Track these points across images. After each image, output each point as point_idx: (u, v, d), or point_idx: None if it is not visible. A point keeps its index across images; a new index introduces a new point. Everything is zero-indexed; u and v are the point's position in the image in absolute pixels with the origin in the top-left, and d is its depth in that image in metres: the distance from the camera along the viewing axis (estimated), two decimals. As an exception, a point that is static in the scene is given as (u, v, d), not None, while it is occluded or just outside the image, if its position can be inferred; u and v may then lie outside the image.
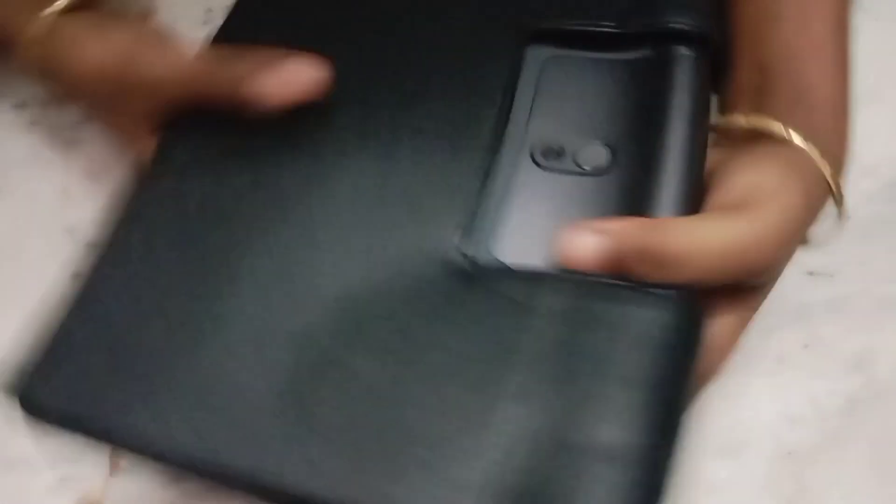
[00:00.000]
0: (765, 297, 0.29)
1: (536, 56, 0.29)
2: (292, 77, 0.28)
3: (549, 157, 0.27)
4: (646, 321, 0.23)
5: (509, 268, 0.25)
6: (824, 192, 0.28)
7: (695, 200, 0.26)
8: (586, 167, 0.27)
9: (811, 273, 0.34)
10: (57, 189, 0.39)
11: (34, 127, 0.40)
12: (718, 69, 0.29)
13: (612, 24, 0.29)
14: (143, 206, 0.28)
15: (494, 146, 0.28)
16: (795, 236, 0.27)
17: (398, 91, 0.29)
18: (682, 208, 0.26)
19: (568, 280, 0.24)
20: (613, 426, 0.22)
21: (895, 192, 0.35)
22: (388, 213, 0.27)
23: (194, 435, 0.24)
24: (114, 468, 0.33)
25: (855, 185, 0.31)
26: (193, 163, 0.29)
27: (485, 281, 0.24)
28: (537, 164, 0.27)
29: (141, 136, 0.31)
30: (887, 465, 0.32)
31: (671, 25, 0.28)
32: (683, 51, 0.28)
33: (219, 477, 0.24)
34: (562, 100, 0.29)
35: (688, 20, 0.28)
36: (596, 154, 0.27)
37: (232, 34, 0.32)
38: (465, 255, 0.25)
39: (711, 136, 0.29)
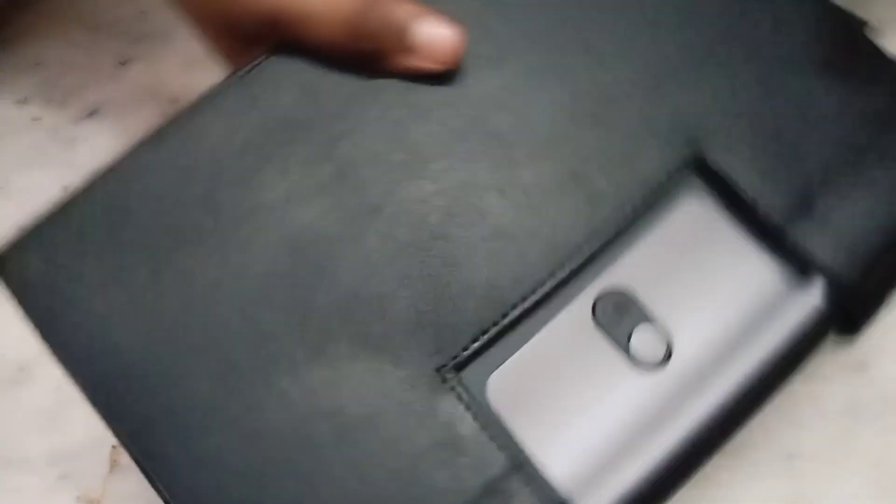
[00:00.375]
0: None
1: (681, 180, 0.25)
2: (449, 42, 0.25)
3: (610, 315, 0.24)
4: None
5: (490, 415, 0.23)
6: None
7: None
8: (634, 354, 0.24)
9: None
10: (58, 186, 0.39)
11: (35, 123, 0.40)
12: (853, 318, 0.26)
13: (772, 207, 0.25)
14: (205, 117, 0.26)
15: (571, 268, 0.24)
16: None
17: (512, 156, 0.25)
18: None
19: (518, 458, 0.22)
20: None
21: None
22: (411, 302, 0.24)
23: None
24: (113, 466, 0.33)
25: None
26: (273, 96, 0.26)
27: (461, 417, 0.23)
28: (594, 315, 0.24)
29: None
30: (888, 469, 0.31)
31: (816, 257, 0.24)
32: (813, 290, 0.24)
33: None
34: (668, 252, 0.25)
35: (837, 263, 0.24)
36: (651, 348, 0.24)
37: None
38: (456, 379, 0.23)
39: None
